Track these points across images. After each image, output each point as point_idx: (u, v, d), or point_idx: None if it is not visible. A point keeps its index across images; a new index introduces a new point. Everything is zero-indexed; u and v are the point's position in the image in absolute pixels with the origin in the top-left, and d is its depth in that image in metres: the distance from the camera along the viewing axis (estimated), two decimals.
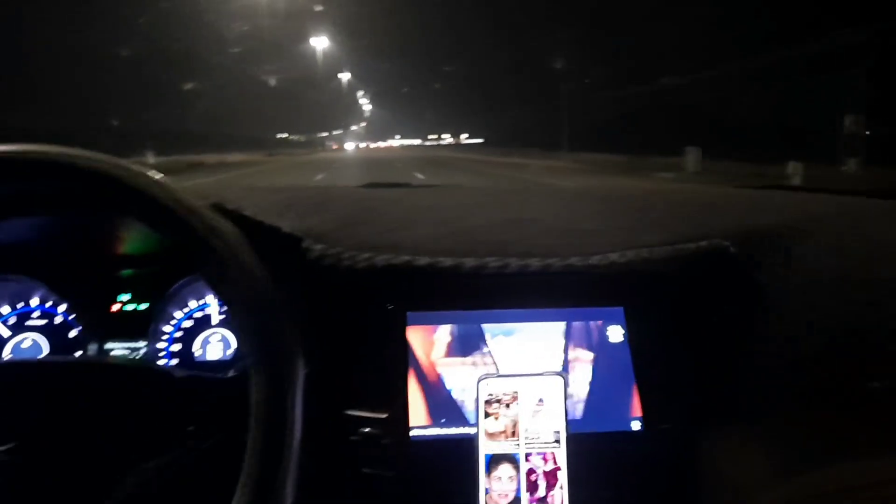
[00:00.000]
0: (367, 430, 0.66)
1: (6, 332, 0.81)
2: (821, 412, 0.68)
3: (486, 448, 0.64)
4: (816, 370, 0.68)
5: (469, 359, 0.69)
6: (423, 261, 0.68)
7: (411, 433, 0.66)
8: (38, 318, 0.82)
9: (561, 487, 0.63)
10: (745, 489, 0.67)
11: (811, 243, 0.78)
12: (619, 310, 0.72)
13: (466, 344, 0.70)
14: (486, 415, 0.65)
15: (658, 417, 0.69)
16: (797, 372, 0.68)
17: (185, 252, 0.53)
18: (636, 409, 0.69)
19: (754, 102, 13.78)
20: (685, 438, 0.69)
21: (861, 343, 0.69)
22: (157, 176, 0.54)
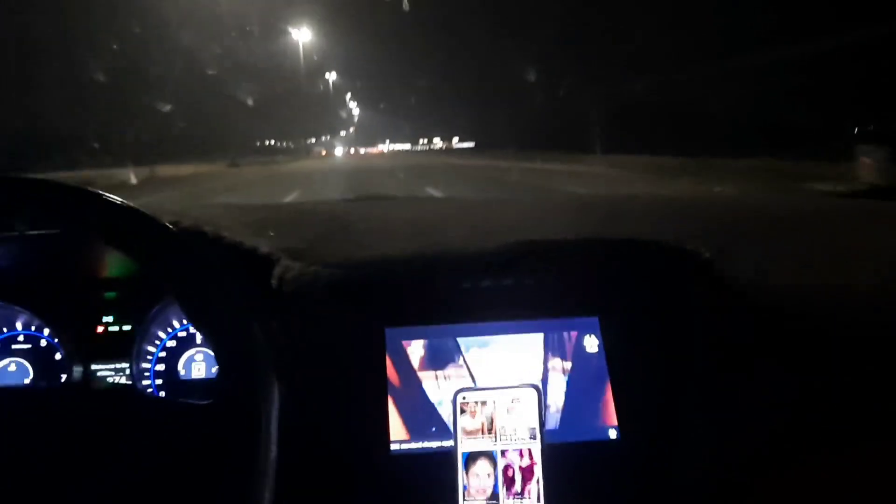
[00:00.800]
0: (347, 446, 0.68)
1: None
2: (800, 418, 0.70)
3: (463, 446, 0.67)
4: (792, 378, 0.70)
5: (446, 372, 0.72)
6: (399, 275, 0.71)
7: (391, 448, 0.69)
8: (23, 342, 0.84)
9: (537, 482, 0.66)
10: (721, 497, 0.69)
11: (786, 247, 0.81)
12: (595, 320, 0.75)
13: (443, 357, 0.72)
14: (462, 411, 0.68)
15: (634, 426, 0.72)
16: (772, 378, 0.70)
17: (160, 276, 0.55)
18: (612, 417, 0.72)
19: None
20: (661, 446, 0.71)
21: (836, 348, 0.71)
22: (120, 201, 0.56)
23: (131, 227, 0.55)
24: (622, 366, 0.74)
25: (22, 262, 0.79)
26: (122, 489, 0.62)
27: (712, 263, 0.76)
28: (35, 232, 0.74)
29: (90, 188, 0.56)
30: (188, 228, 0.69)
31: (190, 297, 0.54)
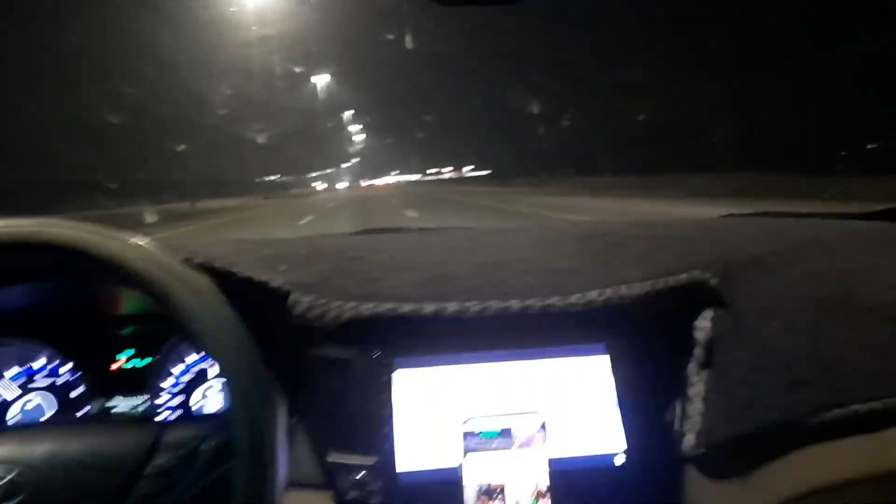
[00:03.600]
0: (355, 475, 0.75)
1: (15, 393, 0.93)
2: (804, 442, 0.74)
3: (470, 474, 0.75)
4: (798, 399, 0.74)
5: (454, 400, 0.79)
6: (406, 308, 0.78)
7: (399, 478, 0.76)
8: (44, 377, 0.94)
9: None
10: None
11: (790, 272, 0.87)
12: (601, 346, 0.81)
13: (451, 385, 0.79)
14: (469, 438, 0.76)
15: (642, 451, 0.77)
16: (778, 402, 0.75)
17: (172, 313, 0.61)
18: (620, 443, 0.78)
19: None
20: (670, 471, 0.77)
21: (841, 370, 0.75)
22: (136, 239, 0.63)
23: (143, 264, 0.61)
24: (629, 391, 0.79)
25: (40, 299, 0.88)
26: None
27: (718, 289, 0.83)
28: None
29: (101, 226, 0.63)
30: (200, 264, 0.76)
31: (201, 333, 0.61)
